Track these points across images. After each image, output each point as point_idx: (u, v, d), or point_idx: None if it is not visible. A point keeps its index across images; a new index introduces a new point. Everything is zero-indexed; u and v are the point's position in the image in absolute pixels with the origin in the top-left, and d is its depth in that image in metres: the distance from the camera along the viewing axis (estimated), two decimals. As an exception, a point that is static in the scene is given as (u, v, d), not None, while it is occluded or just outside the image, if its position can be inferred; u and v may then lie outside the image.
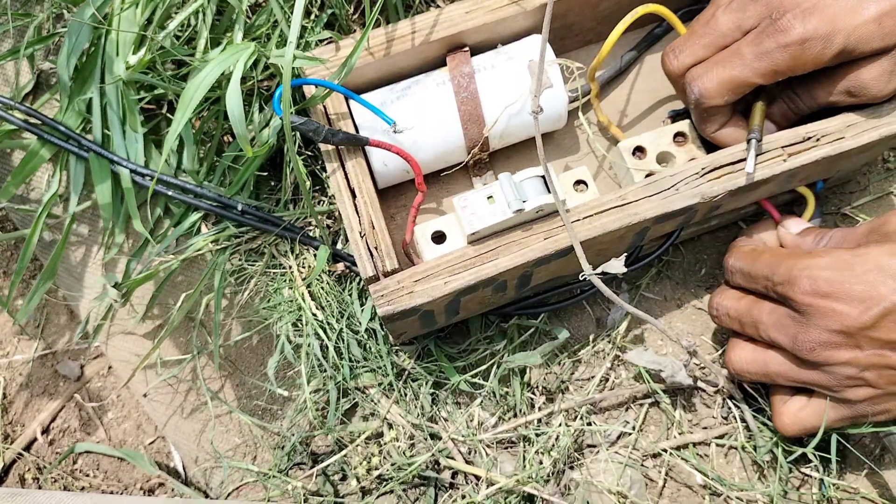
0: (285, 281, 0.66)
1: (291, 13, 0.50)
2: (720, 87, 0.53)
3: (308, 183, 0.60)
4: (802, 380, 0.53)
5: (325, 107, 0.55)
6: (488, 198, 0.51)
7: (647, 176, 0.58)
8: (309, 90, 0.55)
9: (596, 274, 0.49)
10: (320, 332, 0.63)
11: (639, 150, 0.59)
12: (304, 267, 0.65)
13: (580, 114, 0.60)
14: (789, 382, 0.54)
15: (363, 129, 0.55)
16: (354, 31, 0.63)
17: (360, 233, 0.52)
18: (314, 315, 0.63)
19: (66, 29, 0.65)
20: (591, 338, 0.64)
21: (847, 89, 0.52)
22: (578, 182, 0.58)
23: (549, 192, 0.51)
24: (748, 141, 0.53)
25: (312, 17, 0.62)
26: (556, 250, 0.51)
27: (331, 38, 0.63)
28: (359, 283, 0.64)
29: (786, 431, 0.56)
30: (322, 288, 0.64)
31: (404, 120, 0.56)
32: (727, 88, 0.53)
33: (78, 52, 0.64)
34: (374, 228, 0.52)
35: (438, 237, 0.56)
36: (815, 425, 0.54)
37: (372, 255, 0.51)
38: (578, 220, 0.52)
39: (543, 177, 0.52)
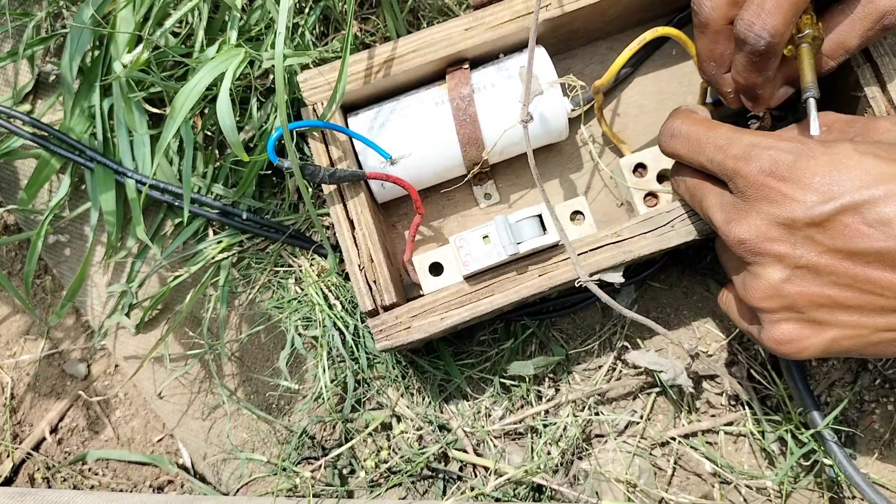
0: (293, 278, 0.66)
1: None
2: (786, 12, 0.44)
3: (310, 200, 0.60)
4: (724, 263, 0.50)
5: (323, 132, 0.55)
6: (483, 237, 0.52)
7: (647, 195, 0.58)
8: (307, 112, 0.56)
9: (593, 281, 0.49)
10: (339, 322, 0.63)
11: (640, 167, 0.58)
12: (313, 266, 0.65)
13: (582, 126, 0.59)
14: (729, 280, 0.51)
15: (362, 154, 0.56)
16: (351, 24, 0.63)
17: (360, 266, 0.53)
18: (331, 307, 0.64)
19: (65, 30, 0.65)
20: (598, 328, 0.64)
21: (882, 25, 0.47)
22: (576, 213, 0.58)
23: (544, 231, 0.52)
24: (805, 101, 0.47)
25: (307, 10, 0.62)
26: (550, 287, 0.53)
27: (331, 36, 0.63)
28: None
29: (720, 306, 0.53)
30: (333, 283, 0.64)
31: (402, 142, 0.56)
32: (792, 9, 0.44)
33: (80, 55, 0.64)
34: (372, 262, 0.53)
35: (435, 268, 0.57)
36: (735, 321, 0.51)
37: (371, 288, 0.53)
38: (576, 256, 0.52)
39: (540, 216, 0.52)
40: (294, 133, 0.57)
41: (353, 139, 0.55)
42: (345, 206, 0.54)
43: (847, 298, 0.43)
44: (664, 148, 0.51)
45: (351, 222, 0.54)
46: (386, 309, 0.53)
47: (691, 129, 0.49)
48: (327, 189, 0.54)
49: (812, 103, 0.46)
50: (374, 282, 0.53)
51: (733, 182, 0.46)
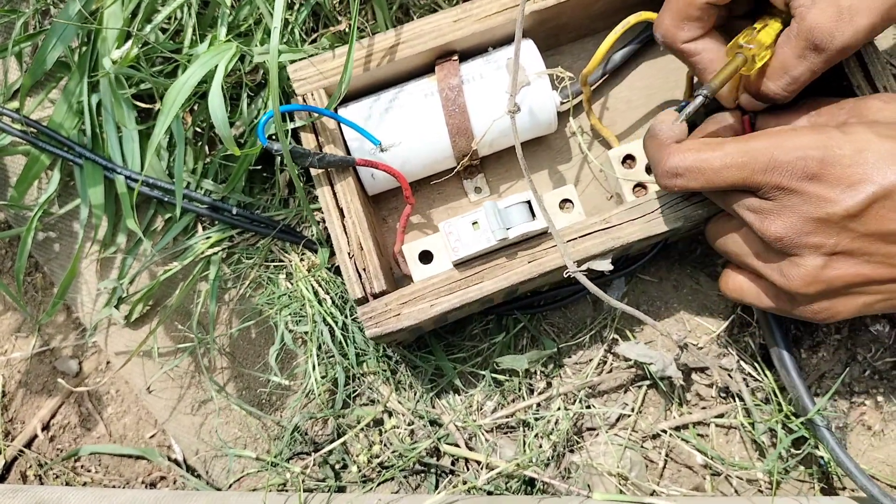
0: (284, 273, 0.66)
1: (273, 5, 0.50)
2: (672, 11, 0.49)
3: (303, 190, 0.60)
4: (754, 267, 0.50)
5: (314, 123, 0.55)
6: (473, 223, 0.52)
7: (636, 186, 0.58)
8: (298, 101, 0.56)
9: (582, 271, 0.49)
10: (328, 318, 0.63)
11: (629, 159, 0.58)
12: (303, 261, 0.65)
13: (571, 119, 0.59)
14: (742, 264, 0.51)
15: (352, 143, 0.56)
16: (340, 21, 0.63)
17: (349, 254, 0.53)
18: (321, 302, 0.64)
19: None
20: (589, 321, 0.64)
21: (814, 45, 0.45)
22: (565, 201, 0.58)
23: (534, 217, 0.52)
24: (695, 95, 0.48)
25: (297, 6, 0.62)
26: (539, 273, 0.53)
27: (320, 32, 0.63)
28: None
29: (724, 292, 0.54)
30: (323, 278, 0.64)
31: (392, 133, 0.56)
32: (675, 10, 0.49)
33: (59, 50, 0.63)
34: (362, 250, 0.53)
35: (425, 256, 0.57)
36: (753, 303, 0.52)
37: (360, 276, 0.53)
38: (563, 242, 0.52)
39: (529, 202, 0.52)
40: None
41: (343, 127, 0.55)
42: (334, 193, 0.54)
43: (881, 274, 0.46)
44: (671, 189, 0.49)
45: (340, 210, 0.53)
46: (375, 296, 0.53)
47: (696, 162, 0.47)
48: (315, 173, 0.54)
49: (699, 101, 0.48)
50: (364, 269, 0.53)
51: (763, 191, 0.46)
